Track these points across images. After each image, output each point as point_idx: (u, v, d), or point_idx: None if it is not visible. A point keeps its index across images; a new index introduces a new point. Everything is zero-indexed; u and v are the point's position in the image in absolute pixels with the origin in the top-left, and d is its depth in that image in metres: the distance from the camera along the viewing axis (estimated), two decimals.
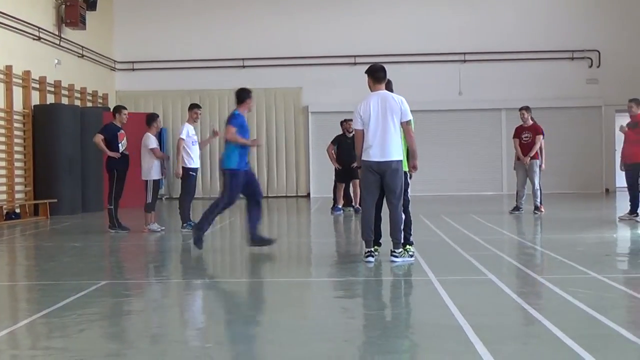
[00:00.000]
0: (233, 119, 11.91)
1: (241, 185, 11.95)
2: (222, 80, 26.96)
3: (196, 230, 12.11)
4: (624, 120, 17.63)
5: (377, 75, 10.29)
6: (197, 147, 15.18)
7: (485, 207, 19.97)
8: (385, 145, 10.04)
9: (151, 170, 14.95)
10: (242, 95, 12.15)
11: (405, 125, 10.13)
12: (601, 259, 10.52)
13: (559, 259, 10.31)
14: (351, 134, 16.70)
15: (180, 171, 14.87)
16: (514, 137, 17.89)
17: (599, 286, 8.33)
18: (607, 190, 26.49)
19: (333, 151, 19.18)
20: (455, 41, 26.71)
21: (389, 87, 10.56)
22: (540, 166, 17.48)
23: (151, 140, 14.99)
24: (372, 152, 10.10)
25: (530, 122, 17.63)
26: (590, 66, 26.79)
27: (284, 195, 26.90)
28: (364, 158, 10.20)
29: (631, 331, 6.19)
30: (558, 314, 6.94)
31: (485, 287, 8.51)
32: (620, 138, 16.94)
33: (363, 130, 10.17)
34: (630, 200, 15.82)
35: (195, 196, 15.83)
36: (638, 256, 11.48)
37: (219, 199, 12.21)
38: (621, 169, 16.25)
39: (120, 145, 15.04)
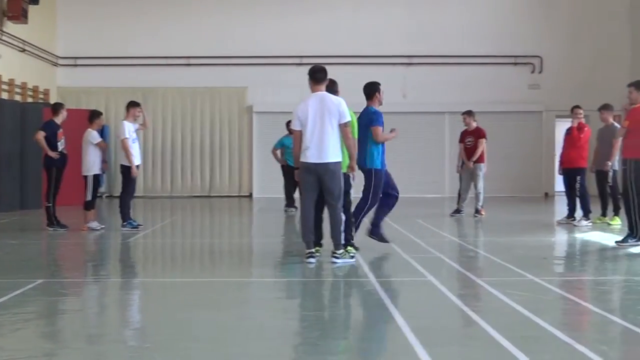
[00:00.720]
0: (378, 118, 11.42)
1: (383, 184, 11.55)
2: (167, 79, 26.73)
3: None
4: (564, 125, 17.87)
5: (316, 76, 10.28)
6: (137, 144, 15.03)
7: (427, 210, 20.10)
8: (322, 147, 10.03)
9: (92, 165, 14.79)
10: (372, 89, 11.67)
11: (343, 127, 10.12)
12: (539, 262, 10.67)
13: (498, 262, 10.43)
14: None
15: (136, 171, 14.72)
16: (460, 141, 18.02)
17: (536, 289, 8.45)
18: (546, 194, 26.84)
19: (278, 152, 19.21)
20: (401, 44, 26.81)
21: (333, 88, 10.57)
22: (482, 170, 17.64)
23: (93, 136, 14.84)
24: (310, 154, 10.09)
25: (474, 125, 17.79)
26: (533, 72, 27.10)
27: (227, 195, 26.78)
28: (301, 159, 10.18)
29: (566, 333, 6.28)
30: (496, 316, 7.02)
31: (425, 289, 8.57)
32: (560, 142, 17.17)
33: (301, 131, 10.17)
34: (568, 205, 16.06)
35: (135, 194, 15.70)
36: (574, 259, 11.66)
37: (363, 200, 11.45)
38: (559, 174, 16.49)
39: (59, 144, 14.88)
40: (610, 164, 14.95)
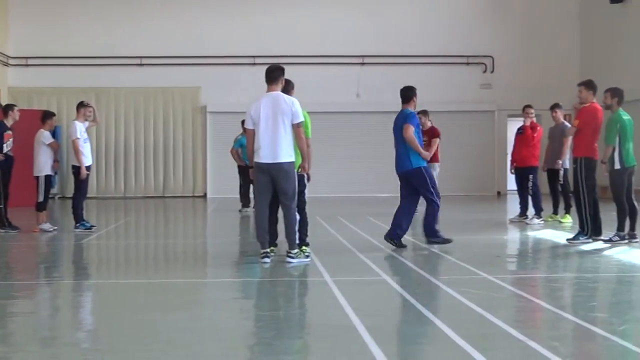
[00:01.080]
0: (411, 118, 11.87)
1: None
2: (119, 79, 26.53)
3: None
4: (516, 125, 18.04)
5: (270, 75, 10.27)
6: (88, 144, 14.90)
7: (382, 209, 20.13)
8: (275, 147, 10.01)
9: (44, 166, 14.65)
10: (411, 93, 12.09)
11: (296, 127, 10.13)
12: (492, 260, 10.77)
13: (452, 260, 10.50)
14: None
15: (85, 172, 14.54)
16: None
17: (490, 286, 8.53)
18: (499, 193, 27.09)
19: (238, 151, 19.17)
20: (354, 44, 26.89)
21: (287, 88, 10.56)
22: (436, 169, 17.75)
23: (45, 136, 14.70)
24: (263, 154, 10.07)
25: (429, 125, 17.89)
26: (485, 71, 27.34)
27: (181, 195, 26.65)
28: (255, 159, 10.17)
29: (519, 330, 6.35)
30: (450, 315, 7.07)
31: (380, 287, 8.61)
32: (511, 142, 17.33)
33: (254, 130, 10.17)
34: (520, 203, 16.23)
35: (88, 195, 15.55)
36: (526, 257, 11.78)
37: (428, 203, 11.98)
38: (511, 172, 16.65)
39: (5, 145, 14.68)
40: (561, 162, 15.16)
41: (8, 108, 15.19)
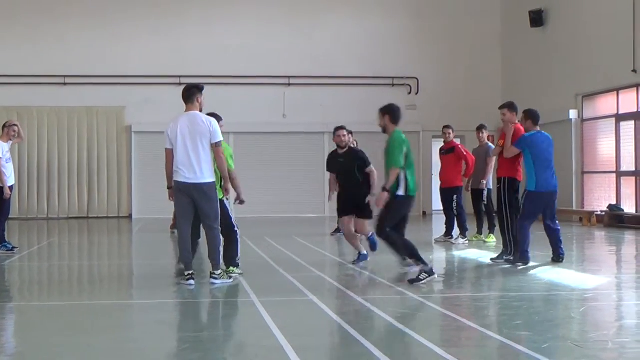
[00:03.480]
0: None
1: None
2: (42, 98, 26.10)
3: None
4: (441, 145, 18.27)
5: (186, 94, 10.19)
6: (11, 164, 14.63)
7: (308, 229, 20.21)
8: (195, 167, 9.92)
9: None
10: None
11: (214, 147, 10.07)
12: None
13: (378, 280, 10.56)
14: (343, 150, 14.30)
15: (8, 192, 14.25)
16: None
17: (416, 306, 8.60)
18: (424, 212, 27.35)
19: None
20: (281, 64, 26.96)
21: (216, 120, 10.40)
22: None
23: None
24: (183, 174, 9.98)
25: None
26: (410, 93, 27.64)
27: (105, 216, 26.30)
28: (175, 179, 10.08)
29: (445, 349, 6.42)
30: (377, 334, 7.12)
31: (307, 308, 8.61)
32: (437, 163, 17.54)
33: (172, 149, 10.09)
34: (446, 223, 16.40)
35: (10, 216, 15.26)
36: (452, 276, 11.90)
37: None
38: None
39: None
40: (485, 182, 15.39)
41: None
